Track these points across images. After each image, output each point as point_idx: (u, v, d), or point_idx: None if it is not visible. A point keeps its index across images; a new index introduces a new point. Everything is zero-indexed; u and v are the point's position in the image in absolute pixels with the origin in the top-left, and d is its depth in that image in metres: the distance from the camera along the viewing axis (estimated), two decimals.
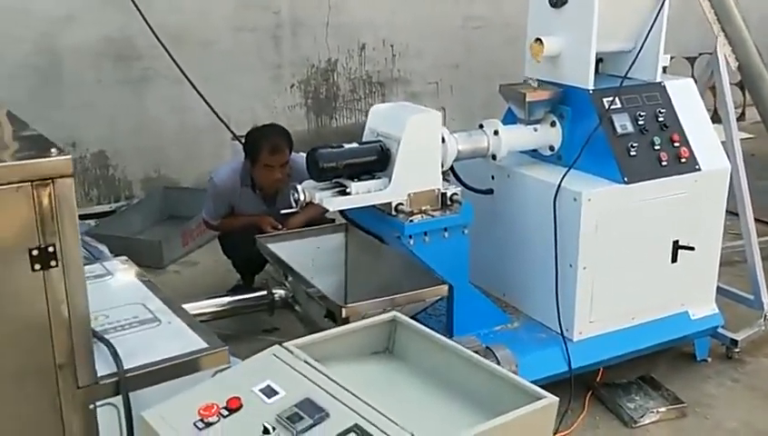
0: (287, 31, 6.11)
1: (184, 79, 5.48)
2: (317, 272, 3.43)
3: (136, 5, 5.27)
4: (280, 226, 4.01)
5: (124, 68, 5.51)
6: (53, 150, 1.86)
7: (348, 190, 2.99)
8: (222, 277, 4.54)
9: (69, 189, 1.83)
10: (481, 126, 3.35)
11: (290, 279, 3.45)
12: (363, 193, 3.00)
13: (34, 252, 1.80)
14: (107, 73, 5.47)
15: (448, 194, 3.09)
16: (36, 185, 1.79)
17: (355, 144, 3.06)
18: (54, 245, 1.82)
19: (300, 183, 4.10)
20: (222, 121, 5.56)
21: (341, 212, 3.36)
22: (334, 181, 3.05)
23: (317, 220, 4.11)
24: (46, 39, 5.22)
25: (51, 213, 1.81)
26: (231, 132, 5.54)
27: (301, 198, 3.00)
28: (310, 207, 4.15)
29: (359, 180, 3.01)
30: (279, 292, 3.84)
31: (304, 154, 4.19)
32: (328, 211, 4.25)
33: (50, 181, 1.80)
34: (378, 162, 3.03)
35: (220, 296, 3.90)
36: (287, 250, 3.54)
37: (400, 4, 6.51)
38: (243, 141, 4.18)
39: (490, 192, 3.50)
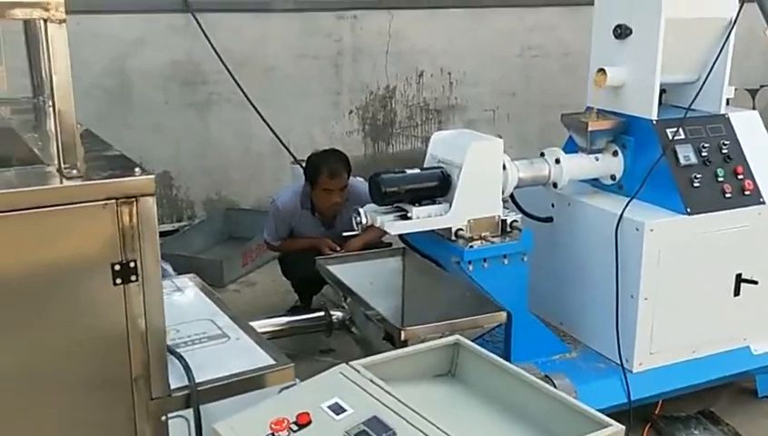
0: (347, 58, 6.23)
1: (247, 103, 5.66)
2: (374, 295, 3.47)
3: (203, 32, 5.48)
4: (338, 248, 4.08)
5: (190, 92, 5.68)
6: (136, 169, 1.95)
7: (409, 214, 3.04)
8: (281, 297, 4.62)
9: (151, 207, 1.92)
10: (542, 154, 3.37)
11: (348, 300, 3.50)
12: (424, 218, 3.04)
13: (117, 267, 1.89)
14: (174, 96, 5.65)
15: (508, 221, 3.11)
16: (121, 203, 1.88)
17: (417, 170, 3.11)
18: (134, 261, 1.91)
19: (359, 207, 4.19)
20: (283, 144, 5.71)
21: (400, 236, 3.40)
22: (395, 205, 3.10)
23: (374, 243, 4.16)
24: (117, 62, 5.42)
25: (133, 229, 1.90)
26: (292, 155, 5.68)
27: (363, 221, 3.06)
28: (368, 231, 4.24)
29: (420, 205, 3.06)
30: (336, 314, 3.90)
31: (361, 179, 4.31)
32: (385, 235, 4.34)
33: (134, 199, 1.89)
34: (439, 187, 3.07)
35: (278, 316, 3.97)
36: (346, 272, 3.60)
37: (459, 33, 6.58)
38: (304, 165, 4.27)
39: (550, 220, 3.51)
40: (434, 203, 3.08)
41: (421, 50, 6.48)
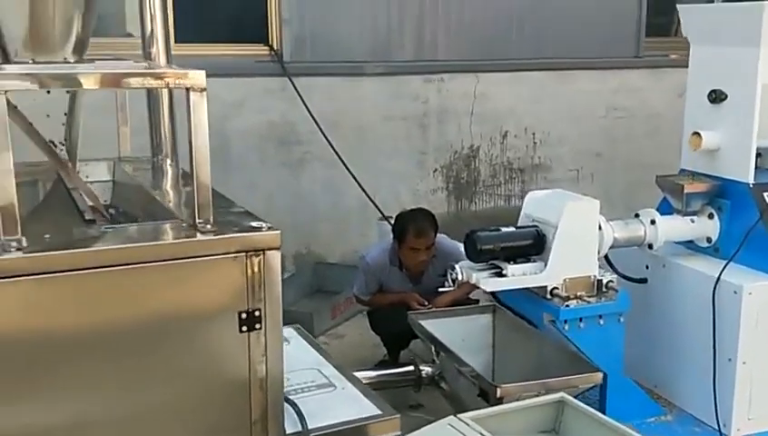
0: (433, 119, 6.40)
1: (337, 162, 5.87)
2: (466, 351, 3.53)
3: (299, 94, 5.75)
4: (426, 303, 4.16)
5: (285, 151, 5.92)
6: (263, 225, 2.10)
7: (504, 272, 3.11)
8: (369, 351, 4.71)
9: (276, 260, 2.06)
10: (637, 215, 3.40)
11: (440, 356, 3.56)
12: (519, 276, 3.10)
13: (243, 315, 2.02)
14: (269, 155, 5.91)
15: (604, 281, 3.14)
16: (250, 255, 2.02)
17: (512, 228, 3.19)
18: (259, 309, 2.04)
19: (453, 263, 4.28)
20: (372, 201, 5.87)
21: (492, 293, 3.47)
22: (490, 262, 3.18)
23: (462, 300, 4.22)
24: (219, 123, 5.71)
25: (260, 280, 2.03)
26: (380, 211, 5.83)
27: (459, 278, 3.14)
28: (456, 287, 4.33)
29: (515, 263, 3.13)
30: (426, 369, 3.96)
31: (445, 236, 4.40)
32: (472, 291, 4.41)
33: (261, 252, 2.03)
34: (533, 246, 3.14)
35: (367, 369, 4.06)
36: (438, 327, 3.67)
37: (544, 95, 6.69)
38: (392, 223, 4.40)
39: (644, 281, 3.52)
40: (528, 261, 3.14)
41: (506, 110, 6.60)
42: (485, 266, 3.16)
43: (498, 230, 3.14)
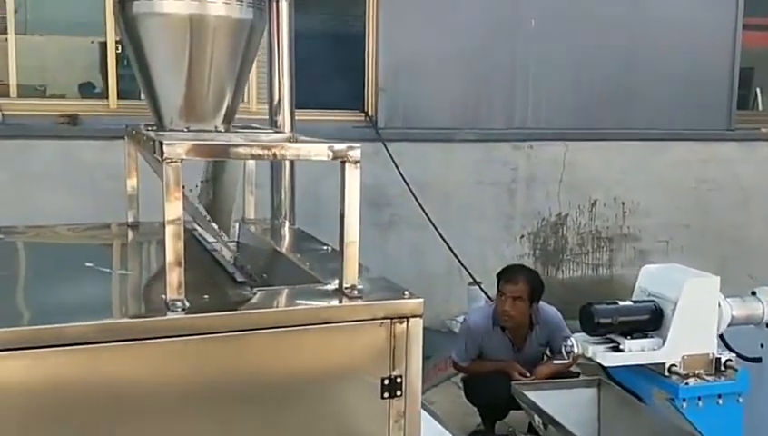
0: (521, 185, 6.44)
1: (424, 226, 5.94)
2: (570, 425, 3.48)
3: (392, 159, 5.87)
4: (527, 374, 4.12)
5: (376, 213, 6.03)
6: (405, 292, 2.15)
7: (621, 346, 3.08)
8: (461, 420, 4.66)
9: (419, 327, 2.09)
10: (754, 293, 3.34)
11: (548, 429, 3.51)
12: (636, 351, 3.07)
13: (385, 382, 2.05)
14: (363, 216, 6.00)
15: (722, 360, 3.08)
16: (395, 322, 2.06)
17: (629, 303, 3.17)
18: (400, 376, 2.07)
19: (548, 333, 4.24)
20: (463, 265, 5.90)
21: (602, 367, 3.43)
22: (606, 336, 3.16)
23: (563, 372, 4.17)
24: (313, 186, 5.87)
25: (403, 347, 2.07)
26: (471, 276, 5.84)
27: (576, 351, 3.12)
28: (555, 358, 4.28)
29: (632, 338, 3.10)
30: None
31: (548, 305, 4.38)
32: (574, 363, 4.35)
33: (405, 319, 2.07)
34: (651, 321, 3.11)
35: None
36: (542, 399, 3.63)
37: (634, 165, 6.68)
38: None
39: (758, 360, 3.43)
40: (645, 336, 3.11)
41: (594, 179, 6.60)
42: (601, 340, 3.14)
43: (616, 303, 3.13)
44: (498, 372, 4.14)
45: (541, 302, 4.29)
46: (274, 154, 2.03)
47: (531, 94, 6.32)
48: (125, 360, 1.84)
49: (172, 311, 1.92)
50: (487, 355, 4.30)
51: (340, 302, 2.08)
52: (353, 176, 2.09)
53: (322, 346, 2.02)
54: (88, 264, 2.44)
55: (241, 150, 2.02)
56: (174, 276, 1.95)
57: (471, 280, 5.80)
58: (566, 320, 4.39)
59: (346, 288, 2.11)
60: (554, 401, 3.64)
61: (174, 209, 1.93)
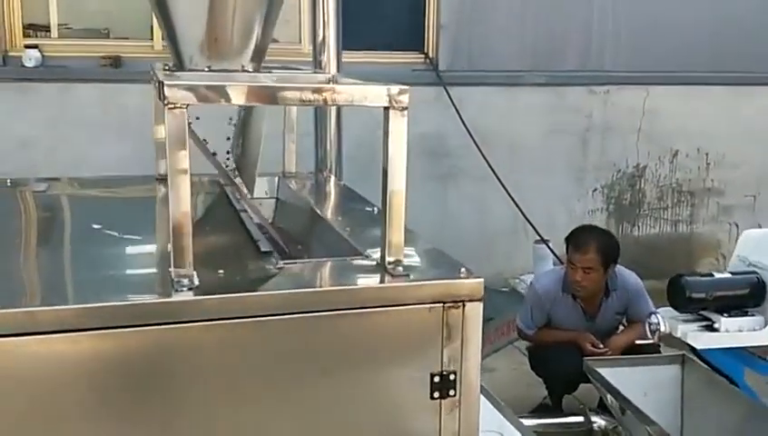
0: (596, 135, 5.91)
1: (486, 178, 5.49)
2: (649, 407, 3.09)
3: (454, 105, 5.42)
4: (601, 345, 3.71)
5: (435, 164, 5.61)
6: (462, 270, 1.76)
7: (715, 325, 2.64)
8: (524, 390, 4.29)
9: (478, 314, 1.71)
10: None
11: (623, 411, 3.12)
12: (734, 333, 2.63)
13: (436, 379, 1.69)
14: (418, 168, 5.61)
15: None
16: (448, 307, 1.68)
17: (726, 274, 2.72)
18: (455, 373, 1.70)
19: (625, 301, 3.80)
20: (530, 222, 5.46)
21: (688, 343, 2.99)
22: (698, 313, 2.72)
23: (640, 343, 3.75)
24: (369, 134, 5.47)
25: (458, 338, 1.70)
26: (538, 233, 5.40)
27: (662, 329, 2.70)
28: (632, 329, 3.85)
29: (729, 315, 2.65)
30: (598, 421, 3.53)
31: (627, 269, 3.93)
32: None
33: (461, 303, 1.69)
34: (751, 296, 2.66)
35: (529, 416, 3.67)
36: (617, 377, 3.24)
37: (720, 111, 6.05)
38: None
39: None
40: (744, 314, 2.66)
41: (676, 128, 6.01)
42: (692, 317, 2.70)
43: (711, 275, 2.68)
44: (568, 343, 3.74)
45: (619, 266, 3.84)
46: (308, 99, 1.65)
47: (610, 32, 5.73)
48: (115, 349, 1.52)
49: (178, 290, 1.58)
50: (555, 324, 3.88)
51: (381, 281, 1.72)
52: (400, 126, 1.70)
53: (357, 336, 1.66)
54: (96, 226, 2.12)
55: (258, 91, 1.64)
56: (180, 247, 1.60)
57: (538, 237, 5.36)
58: (642, 281, 3.93)
59: (389, 264, 1.74)
60: (631, 379, 3.24)
61: (178, 166, 1.57)
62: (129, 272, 1.77)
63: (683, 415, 3.23)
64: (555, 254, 5.17)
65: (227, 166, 2.39)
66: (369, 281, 1.72)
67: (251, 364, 1.60)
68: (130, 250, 1.97)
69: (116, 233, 2.07)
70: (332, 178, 2.90)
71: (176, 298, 1.56)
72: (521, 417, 3.40)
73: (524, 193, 5.57)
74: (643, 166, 6.04)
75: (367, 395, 1.68)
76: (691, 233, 6.23)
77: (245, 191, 2.12)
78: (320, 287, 1.67)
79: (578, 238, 3.70)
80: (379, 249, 1.79)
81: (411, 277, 1.71)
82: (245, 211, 2.19)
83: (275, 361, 1.61)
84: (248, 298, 1.58)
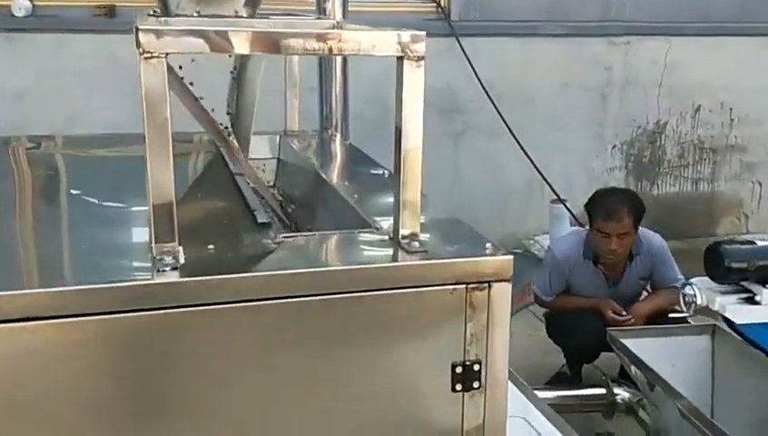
0: (616, 89, 5.63)
1: (500, 135, 5.23)
2: (676, 380, 2.89)
3: (467, 57, 5.14)
4: (623, 313, 3.50)
5: (446, 120, 5.35)
6: (487, 245, 1.53)
7: (757, 298, 2.42)
8: (539, 358, 4.09)
9: (506, 296, 1.50)
10: None
11: (654, 390, 2.92)
12: None
13: (458, 370, 1.48)
14: (429, 124, 5.34)
15: None
16: (472, 289, 1.46)
17: None
18: (479, 363, 1.49)
19: (650, 265, 3.58)
20: (546, 181, 5.22)
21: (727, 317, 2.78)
22: (737, 284, 2.50)
23: (665, 310, 3.54)
24: (378, 90, 5.20)
25: (483, 323, 1.48)
26: (555, 192, 5.17)
27: (698, 301, 2.49)
28: (657, 295, 3.64)
29: None
30: (621, 394, 3.34)
31: (652, 231, 3.70)
32: (678, 301, 3.70)
33: (487, 284, 1.47)
34: None
35: (546, 388, 3.48)
36: (643, 348, 3.04)
37: (745, 64, 5.75)
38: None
39: None
40: None
41: (700, 82, 5.72)
42: (731, 288, 2.48)
43: (752, 243, 2.45)
44: (589, 311, 3.53)
45: (642, 228, 3.61)
46: (310, 47, 1.41)
47: None
48: (84, 338, 1.30)
49: (159, 269, 1.36)
50: (575, 290, 3.66)
51: (394, 259, 1.49)
52: (416, 78, 1.46)
53: (366, 322, 1.45)
54: (75, 192, 1.90)
55: (251, 38, 1.39)
56: (162, 219, 1.38)
57: (554, 197, 5.12)
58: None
59: (403, 238, 1.51)
60: (658, 350, 3.04)
61: (156, 127, 1.34)
62: (106, 247, 1.54)
63: (713, 389, 3.03)
64: (572, 214, 4.94)
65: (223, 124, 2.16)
66: (381, 259, 1.49)
67: (242, 354, 1.39)
68: (112, 220, 1.75)
69: (97, 200, 1.85)
70: (338, 137, 2.66)
71: (157, 280, 1.34)
72: (536, 389, 3.21)
73: (539, 151, 5.32)
74: (664, 122, 5.77)
75: (379, 389, 1.47)
76: (712, 192, 5.99)
77: (240, 152, 1.89)
78: (323, 266, 1.44)
79: (609, 205, 3.45)
80: (390, 219, 1.57)
81: (429, 254, 1.48)
82: (242, 175, 1.97)
83: (270, 350, 1.40)
84: (240, 280, 1.36)
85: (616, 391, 3.30)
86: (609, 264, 3.57)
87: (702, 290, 2.49)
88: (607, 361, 3.69)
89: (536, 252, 5.47)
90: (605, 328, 3.19)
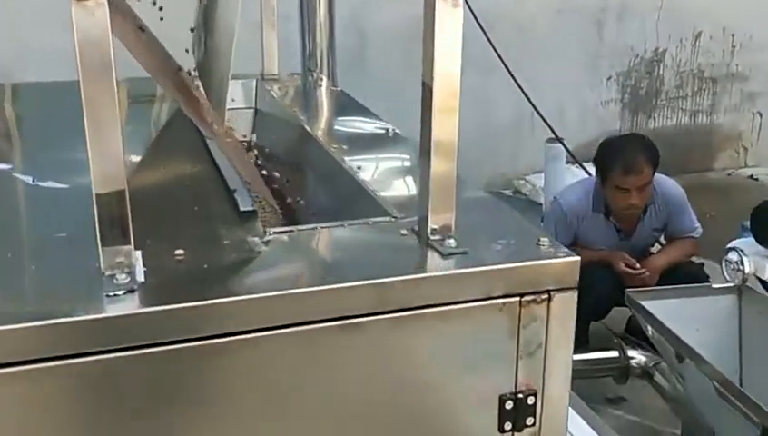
0: (612, 15, 5.21)
1: (488, 69, 4.82)
2: (702, 346, 2.62)
3: None
4: (637, 264, 3.20)
5: None
6: (541, 240, 1.18)
7: None
8: None
9: (571, 308, 1.15)
10: None
11: (684, 362, 2.64)
12: None
13: (507, 404, 1.14)
14: (414, 57, 4.91)
15: None
16: (527, 302, 1.12)
17: None
18: (534, 394, 1.15)
19: (666, 215, 3.29)
20: (541, 115, 4.82)
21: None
22: None
23: (681, 264, 3.26)
24: (355, 15, 4.74)
25: (540, 345, 1.14)
26: (552, 130, 4.78)
27: (747, 269, 2.17)
28: (674, 246, 3.35)
29: None
30: (637, 357, 3.07)
31: (666, 177, 3.38)
32: (695, 253, 3.41)
33: (546, 295, 1.12)
34: None
35: None
36: (665, 310, 2.75)
37: None
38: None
39: None
40: None
41: (701, 7, 5.32)
42: None
43: None
44: (599, 264, 3.21)
45: (658, 174, 3.28)
46: None
47: None
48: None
49: (111, 290, 0.99)
50: (583, 244, 3.34)
51: (421, 266, 1.13)
52: (451, 21, 1.08)
53: (389, 351, 1.10)
54: (4, 167, 1.49)
55: None
56: (107, 213, 1.01)
57: (547, 134, 4.74)
58: None
59: (432, 233, 1.15)
60: (680, 312, 2.76)
61: (96, 89, 0.95)
62: (36, 254, 1.16)
63: (741, 353, 2.77)
64: (569, 153, 4.59)
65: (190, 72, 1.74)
66: (407, 267, 1.12)
67: (220, 398, 1.04)
68: (49, 212, 1.36)
69: (32, 180, 1.45)
70: (325, 81, 2.26)
71: (106, 312, 0.97)
72: None
73: (531, 84, 4.91)
74: (662, 50, 5.39)
75: (407, 431, 1.13)
76: (711, 124, 5.67)
77: (212, 111, 1.48)
78: (332, 283, 1.06)
79: (626, 158, 3.09)
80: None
81: (470, 257, 1.13)
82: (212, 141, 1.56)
83: (260, 390, 1.05)
84: (220, 307, 1.00)
85: (631, 354, 3.02)
86: (625, 218, 3.25)
87: (750, 256, 2.18)
88: (613, 315, 3.42)
89: (527, 193, 5.16)
90: (618, 283, 2.89)
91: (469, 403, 1.14)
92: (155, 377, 0.99)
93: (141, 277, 1.03)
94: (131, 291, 1.00)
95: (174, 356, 0.98)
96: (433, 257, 1.13)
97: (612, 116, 5.39)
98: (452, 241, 1.14)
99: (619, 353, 3.06)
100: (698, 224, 3.32)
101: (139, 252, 1.07)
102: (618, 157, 3.15)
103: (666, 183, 3.30)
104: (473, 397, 1.14)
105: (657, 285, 3.17)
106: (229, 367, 1.01)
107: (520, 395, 1.15)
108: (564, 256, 1.14)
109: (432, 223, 1.15)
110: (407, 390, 1.11)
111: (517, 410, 1.15)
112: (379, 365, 1.09)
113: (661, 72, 5.44)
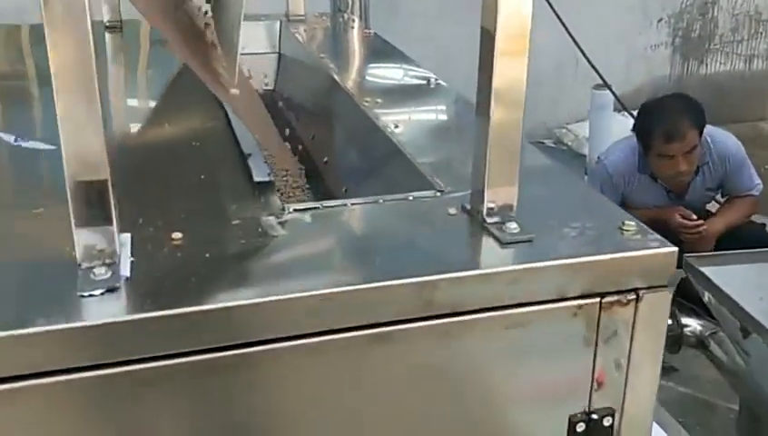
0: None
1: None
2: (765, 313, 2.39)
3: None
4: (693, 216, 2.93)
5: None
6: (626, 224, 0.94)
7: None
8: None
9: (663, 311, 0.93)
10: None
11: (750, 337, 2.41)
12: None
13: (579, 427, 0.92)
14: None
15: None
16: (609, 303, 0.89)
17: None
18: (611, 415, 0.93)
19: (721, 172, 3.04)
20: (587, 58, 4.48)
21: None
22: None
23: (741, 226, 3.00)
24: None
25: (624, 351, 0.91)
26: (600, 76, 4.44)
27: None
28: (733, 207, 3.09)
29: None
30: (692, 326, 2.85)
31: (718, 129, 3.09)
32: (754, 212, 3.15)
33: (634, 294, 0.90)
34: None
35: None
36: (725, 277, 2.50)
37: None
38: (634, 121, 3.06)
39: None
40: None
41: None
42: None
43: None
44: (652, 223, 2.94)
45: (714, 129, 2.99)
46: None
47: None
48: None
49: (85, 294, 0.78)
50: (632, 203, 3.06)
51: (475, 259, 0.90)
52: None
53: (436, 362, 0.88)
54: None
55: None
56: (81, 187, 0.79)
57: (596, 81, 4.43)
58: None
59: (489, 213, 0.92)
60: (742, 279, 2.51)
61: (72, 38, 0.73)
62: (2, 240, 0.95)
63: None
64: (618, 100, 4.28)
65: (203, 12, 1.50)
66: (453, 258, 0.89)
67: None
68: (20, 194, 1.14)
69: (12, 139, 1.23)
70: (357, 23, 2.00)
71: (68, 322, 0.76)
72: None
73: (573, 25, 4.58)
74: None
75: None
76: (766, 70, 5.30)
77: (224, 57, 1.25)
78: (360, 283, 0.84)
79: (667, 124, 2.79)
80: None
81: (534, 245, 0.90)
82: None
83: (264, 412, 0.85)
84: (225, 312, 0.78)
85: (685, 321, 2.79)
86: (676, 185, 2.98)
87: None
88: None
89: (569, 143, 4.87)
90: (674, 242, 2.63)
91: (532, 426, 0.93)
92: (142, 399, 0.79)
93: (126, 271, 0.81)
94: (111, 290, 0.79)
95: (164, 374, 0.78)
96: (490, 246, 0.90)
97: (661, 61, 5.04)
98: (514, 224, 0.91)
99: (672, 321, 2.84)
100: (759, 181, 3.04)
101: (127, 236, 0.86)
102: (658, 123, 2.85)
103: (721, 137, 3.01)
104: (537, 418, 0.92)
105: (715, 249, 2.92)
106: (224, 387, 0.80)
107: (594, 415, 0.93)
108: (657, 246, 0.90)
109: (489, 201, 0.92)
110: (455, 412, 0.90)
111: (590, 433, 0.93)
112: (419, 383, 0.87)
113: (715, 14, 5.06)
